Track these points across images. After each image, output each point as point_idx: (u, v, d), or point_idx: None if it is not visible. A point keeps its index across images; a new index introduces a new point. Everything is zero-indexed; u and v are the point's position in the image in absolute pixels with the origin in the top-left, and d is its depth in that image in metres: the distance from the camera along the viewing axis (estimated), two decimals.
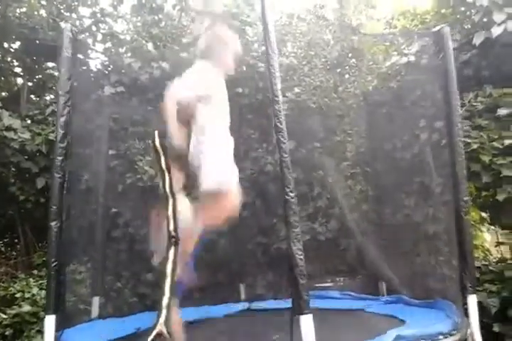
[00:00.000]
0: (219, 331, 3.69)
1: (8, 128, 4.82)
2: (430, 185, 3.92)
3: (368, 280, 4.49)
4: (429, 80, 4.07)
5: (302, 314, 2.37)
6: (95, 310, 3.90)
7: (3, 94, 6.15)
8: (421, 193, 4.07)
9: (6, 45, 6.00)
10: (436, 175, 3.84)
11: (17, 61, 6.16)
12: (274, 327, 3.32)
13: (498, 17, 4.47)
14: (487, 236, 4.56)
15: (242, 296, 4.65)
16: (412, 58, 4.92)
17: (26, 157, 4.98)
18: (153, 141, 2.97)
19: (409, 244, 4.09)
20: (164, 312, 2.60)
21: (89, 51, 5.71)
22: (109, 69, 5.67)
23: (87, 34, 6.02)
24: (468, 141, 4.06)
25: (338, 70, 5.90)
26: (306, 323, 2.35)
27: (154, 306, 3.34)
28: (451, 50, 3.44)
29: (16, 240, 5.23)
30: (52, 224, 3.05)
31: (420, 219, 4.04)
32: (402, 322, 3.16)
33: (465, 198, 3.19)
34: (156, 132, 2.98)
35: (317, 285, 4.35)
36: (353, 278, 4.57)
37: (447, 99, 3.40)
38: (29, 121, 5.28)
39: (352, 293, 4.33)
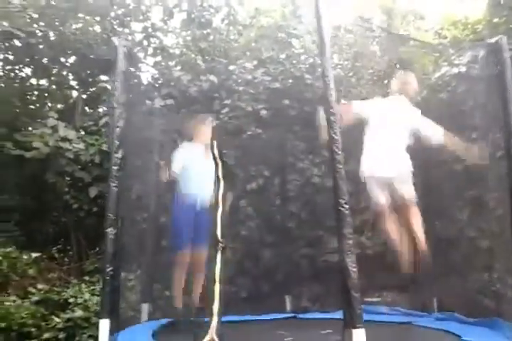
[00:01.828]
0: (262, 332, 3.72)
1: (64, 139, 5.02)
2: (484, 198, 3.81)
3: (417, 296, 4.38)
4: (483, 91, 3.97)
5: (355, 328, 2.34)
6: (144, 317, 3.97)
7: (59, 106, 6.39)
8: (475, 207, 3.97)
9: (62, 59, 6.28)
10: (491, 189, 3.73)
11: (72, 75, 6.40)
12: (320, 335, 3.30)
13: None
14: None
15: (288, 308, 4.62)
16: (463, 69, 4.84)
17: (80, 167, 5.15)
18: (212, 150, 3.08)
19: (462, 259, 3.98)
20: (215, 318, 2.62)
21: (140, 64, 5.91)
22: (159, 82, 5.84)
23: (139, 48, 6.23)
24: None
25: (386, 81, 5.86)
26: (359, 337, 2.32)
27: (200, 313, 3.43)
28: (509, 60, 3.35)
29: (69, 247, 5.39)
30: (109, 230, 3.12)
31: (474, 233, 3.93)
32: (457, 338, 3.06)
33: None
34: (215, 142, 3.09)
35: (365, 299, 4.27)
36: (402, 294, 4.47)
37: (504, 110, 3.31)
38: (83, 132, 5.47)
39: (401, 309, 4.23)
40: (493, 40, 3.45)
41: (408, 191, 3.59)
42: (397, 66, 5.94)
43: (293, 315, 4.47)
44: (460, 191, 4.12)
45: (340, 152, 2.55)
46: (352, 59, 6.21)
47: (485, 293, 3.80)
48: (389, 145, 3.63)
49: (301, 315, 4.45)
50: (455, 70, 4.80)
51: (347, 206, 2.47)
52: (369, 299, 4.54)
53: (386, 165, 3.58)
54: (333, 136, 2.57)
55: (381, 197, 3.61)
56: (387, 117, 3.74)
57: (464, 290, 3.93)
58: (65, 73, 6.44)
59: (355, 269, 2.41)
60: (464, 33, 5.93)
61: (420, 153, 4.60)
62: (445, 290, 4.02)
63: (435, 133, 3.72)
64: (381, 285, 4.66)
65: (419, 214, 3.60)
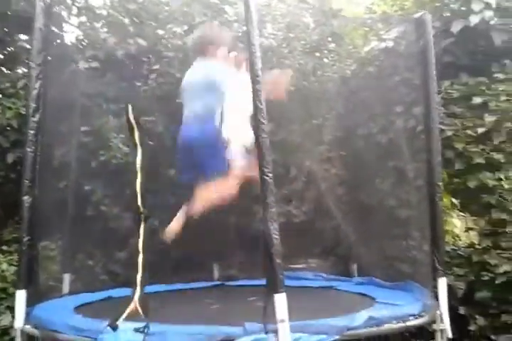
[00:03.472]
0: (189, 298, 3.79)
1: None
2: (404, 170, 3.97)
3: (339, 262, 4.57)
4: (408, 66, 4.10)
5: (277, 292, 2.39)
6: (66, 287, 3.89)
7: None
8: (395, 178, 4.14)
9: None
10: (411, 161, 3.89)
11: None
12: (246, 302, 3.37)
13: (476, 6, 4.54)
14: (457, 222, 4.66)
15: (216, 276, 4.67)
16: (391, 44, 4.95)
17: None
18: (127, 115, 2.94)
19: (382, 227, 4.16)
20: (138, 289, 2.59)
21: (64, 24, 5.56)
22: (84, 43, 5.54)
23: (62, 7, 5.85)
24: (443, 128, 4.12)
25: (318, 54, 5.89)
26: (281, 302, 2.37)
27: (124, 283, 3.39)
28: (432, 37, 3.46)
29: None
30: (25, 198, 3.00)
31: (394, 203, 4.11)
32: (373, 300, 3.23)
33: (439, 184, 3.25)
34: (130, 106, 2.95)
35: (290, 266, 4.39)
36: (325, 260, 4.64)
37: (425, 86, 3.43)
38: (0, 95, 5.12)
39: (323, 274, 4.41)
40: (417, 16, 3.53)
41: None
42: (329, 39, 5.97)
43: (220, 283, 4.54)
44: (382, 162, 4.27)
45: (265, 121, 2.54)
46: (285, 29, 6.16)
47: (402, 259, 4.00)
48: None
49: (228, 283, 4.53)
50: (383, 45, 4.90)
51: (271, 175, 2.49)
52: (294, 266, 4.68)
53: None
54: (258, 104, 2.55)
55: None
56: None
57: (383, 256, 4.13)
58: None
59: (277, 236, 2.45)
60: (393, 9, 6.05)
61: (343, 124, 4.76)
62: (365, 257, 4.21)
63: None
64: (306, 253, 4.81)
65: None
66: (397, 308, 2.87)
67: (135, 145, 2.94)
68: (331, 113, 5.03)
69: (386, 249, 4.03)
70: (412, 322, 2.73)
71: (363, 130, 4.64)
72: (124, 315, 2.49)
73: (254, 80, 2.64)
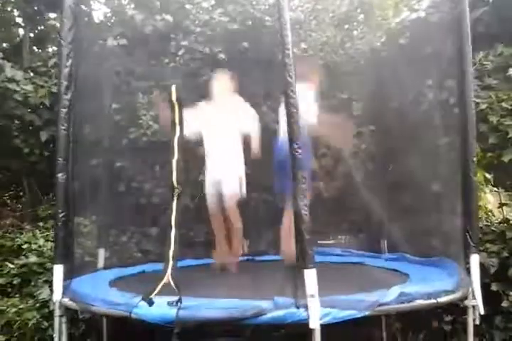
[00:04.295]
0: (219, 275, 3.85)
1: (11, 80, 4.75)
2: (437, 144, 3.89)
3: (370, 238, 4.55)
4: (441, 37, 3.96)
5: (307, 268, 2.41)
6: (101, 262, 3.99)
7: (5, 45, 6.01)
8: (427, 152, 4.05)
9: None
10: (444, 135, 3.80)
11: (18, 11, 5.97)
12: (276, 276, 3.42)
13: None
14: (490, 198, 4.57)
15: (245, 251, 4.72)
16: (423, 14, 4.79)
17: (30, 110, 4.93)
18: (170, 95, 2.98)
19: (413, 203, 4.11)
20: (171, 263, 2.65)
21: (92, 2, 5.56)
22: (112, 21, 5.53)
23: None
24: (477, 101, 4.00)
25: (346, 26, 5.75)
26: (311, 277, 2.39)
27: (157, 258, 3.46)
28: (467, 6, 3.31)
29: (22, 193, 5.26)
30: (59, 175, 3.06)
31: (426, 178, 4.04)
32: (405, 277, 3.22)
33: (473, 158, 3.17)
34: (174, 86, 2.99)
35: (319, 242, 4.40)
36: (356, 236, 4.63)
37: (460, 58, 3.31)
38: (32, 74, 5.19)
39: (353, 250, 4.41)
40: None
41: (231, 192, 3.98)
42: (358, 10, 5.81)
43: (250, 257, 4.59)
44: (413, 136, 4.18)
45: (295, 96, 2.51)
46: (313, 1, 6.01)
47: (434, 235, 3.96)
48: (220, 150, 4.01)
49: (258, 258, 4.58)
50: (414, 15, 4.75)
51: (300, 151, 2.47)
52: (324, 241, 4.69)
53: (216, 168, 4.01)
54: (288, 79, 2.52)
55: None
56: (214, 124, 4.05)
57: (414, 232, 4.08)
58: (9, 9, 6.00)
59: (307, 212, 2.45)
60: None
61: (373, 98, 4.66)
62: (396, 233, 4.18)
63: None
64: (336, 229, 4.80)
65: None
66: (429, 284, 2.84)
67: (174, 124, 2.97)
68: (360, 87, 4.93)
69: (417, 224, 3.97)
70: (444, 299, 2.70)
71: (394, 103, 4.54)
72: (157, 289, 2.55)
73: (285, 54, 2.61)
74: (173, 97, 3.00)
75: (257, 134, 4.10)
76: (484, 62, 4.39)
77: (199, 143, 4.14)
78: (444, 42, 3.77)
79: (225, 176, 3.99)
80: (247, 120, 4.10)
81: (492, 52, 4.46)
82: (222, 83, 4.25)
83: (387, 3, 5.90)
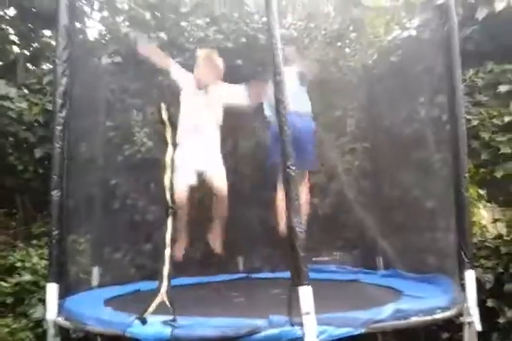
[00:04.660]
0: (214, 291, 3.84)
1: (5, 97, 4.77)
2: (429, 160, 3.92)
3: (365, 255, 4.55)
4: (431, 55, 4.02)
5: (301, 285, 2.40)
6: (95, 280, 3.97)
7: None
8: (420, 169, 4.09)
9: (1, 12, 5.88)
10: (436, 151, 3.84)
11: (13, 29, 6.02)
12: (271, 294, 3.40)
13: None
14: (484, 213, 4.59)
15: (240, 268, 4.71)
16: (414, 32, 4.87)
17: (24, 127, 4.94)
18: (160, 113, 2.99)
19: (407, 219, 4.12)
20: (165, 281, 2.64)
21: (86, 19, 5.61)
22: (107, 38, 5.58)
23: (84, 1, 5.89)
24: (468, 117, 4.06)
25: (339, 44, 5.82)
26: (306, 294, 2.39)
27: (152, 276, 3.44)
28: (456, 23, 3.38)
29: (15, 210, 5.23)
30: (54, 193, 3.06)
31: (418, 194, 4.06)
32: (400, 293, 3.21)
33: (465, 174, 3.20)
34: (163, 104, 3.00)
35: (314, 259, 4.40)
36: (350, 253, 4.63)
37: (450, 75, 3.37)
38: (26, 91, 5.22)
39: (348, 267, 4.41)
40: (441, 2, 3.46)
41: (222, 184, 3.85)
42: (351, 28, 5.90)
43: (245, 275, 4.58)
44: (406, 153, 4.22)
45: (286, 113, 2.54)
46: (306, 19, 6.10)
47: (428, 251, 3.96)
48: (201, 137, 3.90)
49: (253, 275, 4.56)
50: (406, 34, 4.83)
51: (293, 168, 2.49)
52: (319, 258, 4.68)
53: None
54: (280, 97, 2.55)
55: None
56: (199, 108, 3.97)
57: (409, 249, 4.09)
58: (4, 27, 6.04)
59: (301, 230, 2.46)
60: None
61: (366, 117, 4.72)
62: (391, 249, 4.19)
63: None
64: (331, 245, 4.80)
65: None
66: (424, 301, 2.84)
67: (166, 143, 2.98)
68: (353, 104, 4.99)
69: (412, 241, 3.98)
70: (439, 315, 2.69)
71: (387, 120, 4.59)
72: (152, 308, 2.54)
73: (276, 72, 2.64)
74: (164, 116, 3.01)
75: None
76: (475, 79, 4.46)
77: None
78: (434, 60, 3.83)
79: (213, 167, 3.85)
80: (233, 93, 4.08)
81: (482, 69, 4.53)
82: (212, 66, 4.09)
83: (378, 21, 6.00)
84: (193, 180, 3.79)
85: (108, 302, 3.31)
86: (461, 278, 3.09)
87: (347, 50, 5.67)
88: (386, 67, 4.84)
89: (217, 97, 4.04)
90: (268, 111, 4.20)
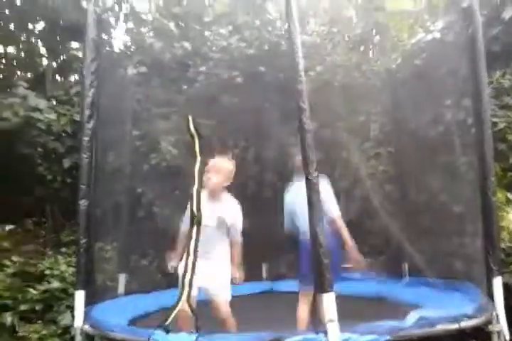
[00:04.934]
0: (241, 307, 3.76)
1: (34, 109, 4.90)
2: (455, 164, 3.86)
3: (390, 261, 4.49)
4: (456, 57, 3.96)
5: (325, 292, 2.39)
6: (121, 287, 4.02)
7: (29, 75, 6.21)
8: (445, 173, 4.02)
9: (30, 26, 6.05)
10: (462, 155, 3.77)
11: (42, 42, 6.19)
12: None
13: None
14: None
15: (264, 275, 4.71)
16: (438, 35, 4.81)
17: (52, 137, 5.05)
18: (188, 125, 3.00)
19: (433, 225, 4.06)
20: (187, 289, 2.65)
21: (112, 31, 5.73)
22: (132, 49, 5.69)
23: (110, 14, 6.03)
24: (495, 120, 3.98)
25: (362, 48, 5.80)
26: (329, 301, 2.38)
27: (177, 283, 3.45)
28: (480, 25, 3.32)
29: (44, 219, 5.35)
30: (81, 202, 3.13)
31: (444, 199, 3.99)
32: (426, 301, 3.16)
33: (492, 178, 3.13)
34: (190, 117, 3.02)
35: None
36: (375, 260, 4.57)
37: (475, 77, 3.30)
38: (54, 102, 5.34)
39: (373, 274, 4.35)
40: (465, 5, 3.41)
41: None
42: (374, 32, 5.87)
43: (269, 288, 4.57)
44: (431, 157, 4.16)
45: (308, 121, 2.54)
46: (328, 24, 6.10)
47: (455, 257, 3.89)
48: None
49: (276, 288, 4.55)
50: (430, 37, 4.77)
51: (315, 175, 2.49)
52: (343, 266, 4.63)
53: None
54: (301, 105, 2.55)
55: None
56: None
57: (435, 255, 4.02)
58: (33, 40, 6.22)
59: (324, 236, 2.45)
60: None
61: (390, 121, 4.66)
62: (416, 256, 4.12)
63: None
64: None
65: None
66: (450, 309, 2.79)
67: (195, 154, 2.99)
68: (376, 108, 4.95)
69: (437, 246, 3.91)
70: (466, 323, 2.65)
71: (411, 124, 4.53)
72: (173, 315, 2.55)
73: (298, 80, 2.64)
74: (191, 127, 3.03)
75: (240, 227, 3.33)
76: (501, 81, 4.38)
77: None
78: (459, 62, 3.77)
79: (213, 282, 3.17)
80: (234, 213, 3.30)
81: (509, 70, 4.44)
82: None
83: (402, 24, 5.96)
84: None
85: (133, 309, 3.35)
86: (489, 285, 3.01)
87: (370, 54, 5.65)
88: (410, 71, 4.78)
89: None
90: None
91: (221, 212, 3.15)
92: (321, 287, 2.43)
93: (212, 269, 3.13)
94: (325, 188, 3.12)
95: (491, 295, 2.98)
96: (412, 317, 2.53)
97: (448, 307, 2.84)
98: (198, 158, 2.99)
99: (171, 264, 3.12)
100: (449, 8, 4.61)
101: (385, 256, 4.59)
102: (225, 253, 3.25)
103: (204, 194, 3.05)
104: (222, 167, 3.16)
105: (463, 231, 3.69)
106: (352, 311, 2.72)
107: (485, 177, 3.16)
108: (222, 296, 3.16)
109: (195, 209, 2.89)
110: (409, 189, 4.53)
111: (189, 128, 3.02)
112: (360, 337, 2.37)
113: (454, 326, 2.59)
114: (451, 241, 3.84)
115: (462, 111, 4.01)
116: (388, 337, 2.42)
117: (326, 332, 2.34)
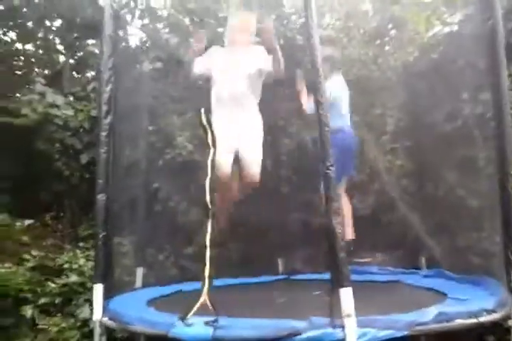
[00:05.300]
0: (255, 292, 3.82)
1: (52, 105, 4.95)
2: (473, 158, 3.81)
3: (407, 255, 4.46)
4: (474, 50, 3.90)
5: (342, 287, 2.39)
6: (139, 281, 4.06)
7: (46, 71, 6.27)
8: (463, 167, 3.98)
9: (47, 23, 6.11)
10: (480, 149, 3.73)
11: (59, 39, 6.25)
12: (312, 296, 3.38)
13: None
14: None
15: (280, 270, 4.71)
16: (455, 28, 4.75)
17: (70, 133, 5.10)
18: (200, 118, 3.04)
19: (451, 218, 4.02)
20: (207, 282, 2.67)
21: (128, 27, 5.75)
22: (147, 45, 5.71)
23: (126, 10, 6.05)
24: None
25: (378, 42, 5.74)
26: (346, 296, 2.37)
27: (194, 277, 3.49)
28: (500, 17, 3.27)
29: (62, 213, 5.41)
30: (99, 197, 3.16)
31: (463, 193, 3.95)
32: (444, 295, 3.13)
33: (511, 172, 3.09)
34: (202, 109, 3.05)
35: (355, 260, 4.34)
36: (393, 254, 4.55)
37: (495, 70, 3.25)
38: (71, 98, 5.38)
39: (390, 268, 4.34)
40: None
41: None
42: (390, 25, 5.80)
43: (286, 276, 4.57)
44: (449, 151, 4.11)
45: (326, 114, 2.52)
46: (344, 18, 6.04)
47: (474, 251, 3.85)
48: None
49: (293, 277, 4.55)
50: (447, 29, 4.71)
51: (332, 168, 2.48)
52: (360, 259, 4.62)
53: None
54: (319, 98, 2.54)
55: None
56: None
57: (453, 249, 3.99)
58: (51, 37, 6.28)
59: (340, 230, 2.44)
60: None
61: (407, 115, 4.62)
62: (434, 250, 4.09)
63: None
64: (373, 246, 4.73)
65: None
66: (469, 303, 2.77)
67: (208, 146, 3.03)
68: (393, 102, 4.91)
69: (456, 241, 3.88)
70: (485, 318, 2.60)
71: (428, 118, 4.49)
72: (195, 309, 2.57)
73: (315, 74, 2.63)
74: (204, 120, 3.06)
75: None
76: None
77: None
78: (477, 55, 3.72)
79: (245, 144, 3.53)
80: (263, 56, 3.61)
81: None
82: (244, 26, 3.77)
83: (419, 16, 5.87)
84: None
85: (151, 302, 3.38)
86: (509, 280, 2.97)
87: (386, 47, 5.59)
88: (427, 64, 4.72)
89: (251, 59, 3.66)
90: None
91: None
92: (337, 282, 2.42)
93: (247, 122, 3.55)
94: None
95: (510, 290, 2.94)
96: (431, 311, 2.51)
97: (467, 302, 2.81)
98: (212, 151, 3.03)
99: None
100: (467, 0, 4.52)
101: (401, 251, 4.56)
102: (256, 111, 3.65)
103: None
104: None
105: (481, 225, 3.65)
106: (369, 300, 2.74)
107: (504, 171, 3.12)
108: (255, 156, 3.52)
109: (208, 201, 2.91)
110: (427, 183, 4.49)
111: (201, 121, 3.05)
112: (378, 331, 2.36)
113: (473, 321, 2.56)
114: (470, 235, 3.80)
115: (480, 105, 3.96)
116: (406, 332, 2.41)
117: (343, 327, 2.34)
